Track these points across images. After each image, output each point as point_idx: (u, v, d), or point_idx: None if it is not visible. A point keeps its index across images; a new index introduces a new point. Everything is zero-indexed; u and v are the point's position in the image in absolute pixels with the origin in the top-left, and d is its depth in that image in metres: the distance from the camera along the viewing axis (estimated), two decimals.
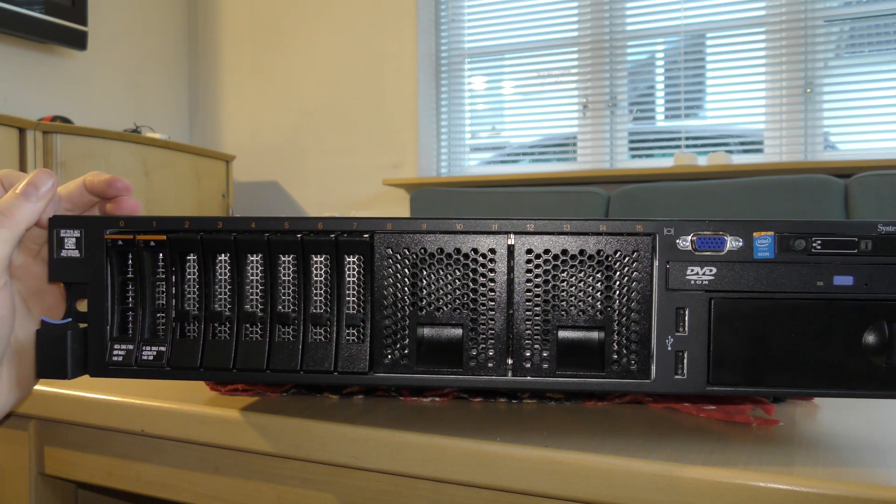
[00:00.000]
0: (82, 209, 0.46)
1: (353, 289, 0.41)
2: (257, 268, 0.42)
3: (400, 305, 0.40)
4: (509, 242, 0.40)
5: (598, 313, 0.40)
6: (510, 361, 0.40)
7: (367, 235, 0.40)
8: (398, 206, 3.06)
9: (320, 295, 0.41)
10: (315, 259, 0.41)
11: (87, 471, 0.54)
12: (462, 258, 0.40)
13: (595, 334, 0.40)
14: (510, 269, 0.40)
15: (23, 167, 2.22)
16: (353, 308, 0.41)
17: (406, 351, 0.40)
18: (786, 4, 2.62)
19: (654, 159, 2.89)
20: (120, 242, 0.41)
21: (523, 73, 3.07)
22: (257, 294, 0.42)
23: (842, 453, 0.40)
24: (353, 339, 0.41)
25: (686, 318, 0.39)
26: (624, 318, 0.40)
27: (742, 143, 2.80)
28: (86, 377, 0.42)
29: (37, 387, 0.54)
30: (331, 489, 0.46)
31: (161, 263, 0.42)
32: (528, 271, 0.40)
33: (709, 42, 2.81)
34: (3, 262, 0.41)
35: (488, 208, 2.61)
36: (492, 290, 0.40)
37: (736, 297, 0.39)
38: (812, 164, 2.43)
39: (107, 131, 2.53)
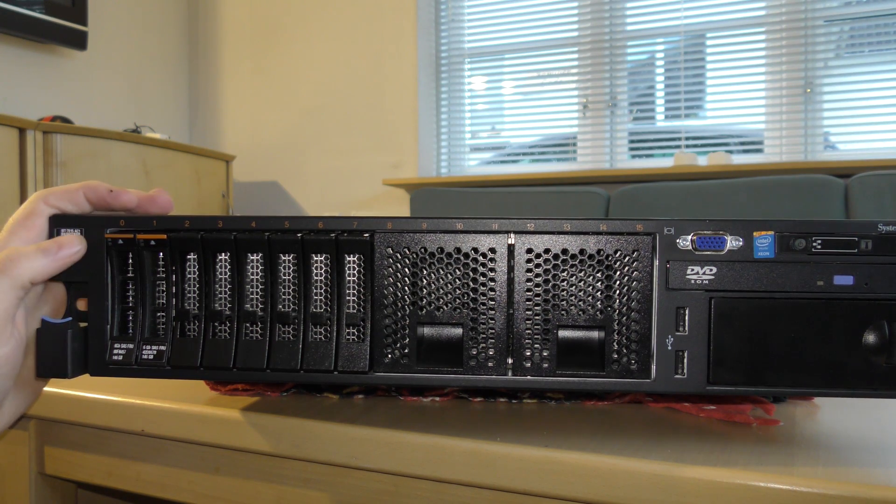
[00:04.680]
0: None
1: (354, 288, 0.41)
2: (257, 267, 0.42)
3: (400, 305, 0.40)
4: (509, 242, 0.40)
5: (598, 313, 0.40)
6: (510, 361, 0.40)
7: (367, 235, 0.40)
8: (398, 206, 3.06)
9: (320, 294, 0.41)
10: (315, 258, 0.41)
11: (87, 471, 0.54)
12: (462, 257, 0.40)
13: (595, 334, 0.40)
14: (510, 269, 0.40)
15: (23, 167, 2.22)
16: (354, 307, 0.41)
17: (406, 350, 0.40)
18: (786, 4, 2.62)
19: (654, 159, 2.89)
20: (120, 241, 0.41)
21: (523, 73, 3.07)
22: (257, 293, 0.42)
23: (842, 453, 0.40)
24: (353, 339, 0.41)
25: (686, 318, 0.39)
26: (624, 318, 0.40)
27: (742, 143, 2.80)
28: (86, 377, 0.42)
29: None
30: (331, 489, 0.46)
31: (161, 262, 0.42)
32: (529, 271, 0.40)
33: (709, 42, 2.81)
34: (4, 316, 0.39)
35: (488, 208, 2.61)
36: (492, 289, 0.40)
37: (736, 296, 0.39)
38: (812, 164, 2.43)
39: (107, 131, 2.53)
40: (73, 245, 0.41)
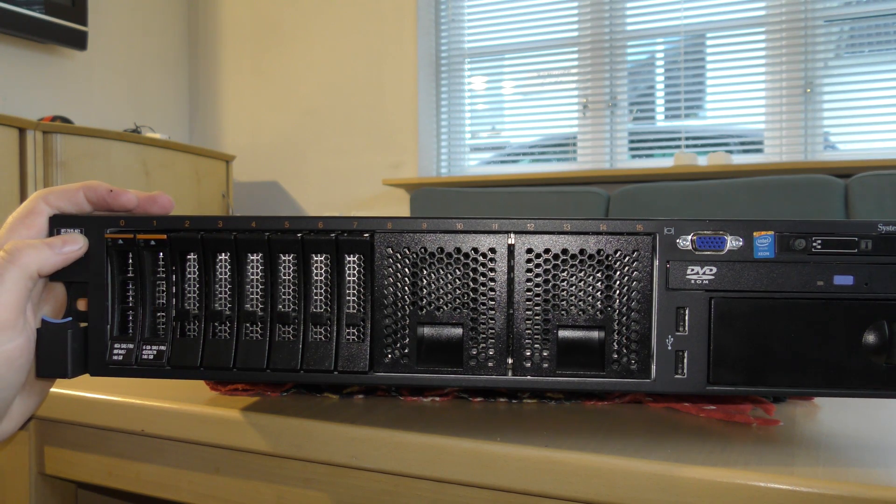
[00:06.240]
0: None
1: (354, 288, 0.41)
2: (257, 267, 0.42)
3: (400, 305, 0.40)
4: (509, 242, 0.40)
5: (598, 313, 0.40)
6: (510, 361, 0.40)
7: (367, 235, 0.40)
8: (398, 206, 3.06)
9: (320, 294, 0.41)
10: (315, 258, 0.41)
11: (87, 471, 0.54)
12: (462, 257, 0.40)
13: (595, 334, 0.40)
14: (510, 269, 0.40)
15: (23, 167, 2.22)
16: (354, 307, 0.41)
17: (406, 350, 0.40)
18: (786, 4, 2.62)
19: (654, 159, 2.89)
20: (120, 241, 0.41)
21: (523, 73, 3.07)
22: (257, 293, 0.42)
23: (842, 453, 0.40)
24: (353, 339, 0.41)
25: (686, 318, 0.39)
26: (624, 318, 0.40)
27: (742, 143, 2.80)
28: (86, 377, 0.42)
29: None
30: (331, 489, 0.46)
31: (161, 263, 0.42)
32: (529, 271, 0.40)
33: (709, 42, 2.81)
34: (17, 305, 0.39)
35: (488, 208, 2.61)
36: (492, 289, 0.40)
37: (736, 296, 0.39)
38: (812, 164, 2.43)
39: (107, 131, 2.53)
40: (76, 242, 0.41)
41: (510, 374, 0.40)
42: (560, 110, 3.00)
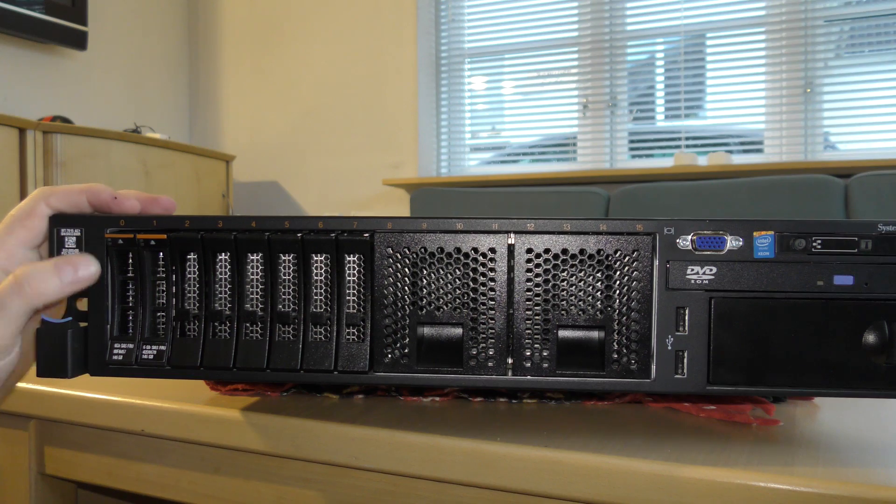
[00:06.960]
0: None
1: (354, 288, 0.41)
2: (257, 267, 0.42)
3: (400, 305, 0.40)
4: (509, 242, 0.40)
5: (598, 313, 0.40)
6: (510, 361, 0.40)
7: (367, 235, 0.40)
8: (398, 206, 3.06)
9: (320, 294, 0.41)
10: (315, 258, 0.41)
11: (87, 471, 0.54)
12: (462, 257, 0.40)
13: (595, 334, 0.40)
14: (510, 269, 0.40)
15: (23, 167, 2.22)
16: (354, 307, 0.41)
17: (406, 350, 0.40)
18: (786, 4, 2.62)
19: (654, 159, 2.89)
20: (120, 241, 0.41)
21: (523, 73, 3.07)
22: (257, 293, 0.42)
23: (842, 453, 0.40)
24: (353, 339, 0.41)
25: (686, 318, 0.39)
26: (624, 318, 0.40)
27: (742, 143, 2.80)
28: (86, 377, 0.42)
29: (37, 387, 0.54)
30: (331, 489, 0.46)
31: (161, 262, 0.42)
32: (529, 270, 0.40)
33: (709, 42, 2.81)
34: (16, 332, 0.39)
35: (488, 208, 2.61)
36: (492, 289, 0.40)
37: (736, 296, 0.39)
38: (812, 164, 2.42)
39: (107, 131, 2.53)
40: (88, 266, 0.40)
41: (510, 374, 0.40)
42: (560, 110, 3.00)
